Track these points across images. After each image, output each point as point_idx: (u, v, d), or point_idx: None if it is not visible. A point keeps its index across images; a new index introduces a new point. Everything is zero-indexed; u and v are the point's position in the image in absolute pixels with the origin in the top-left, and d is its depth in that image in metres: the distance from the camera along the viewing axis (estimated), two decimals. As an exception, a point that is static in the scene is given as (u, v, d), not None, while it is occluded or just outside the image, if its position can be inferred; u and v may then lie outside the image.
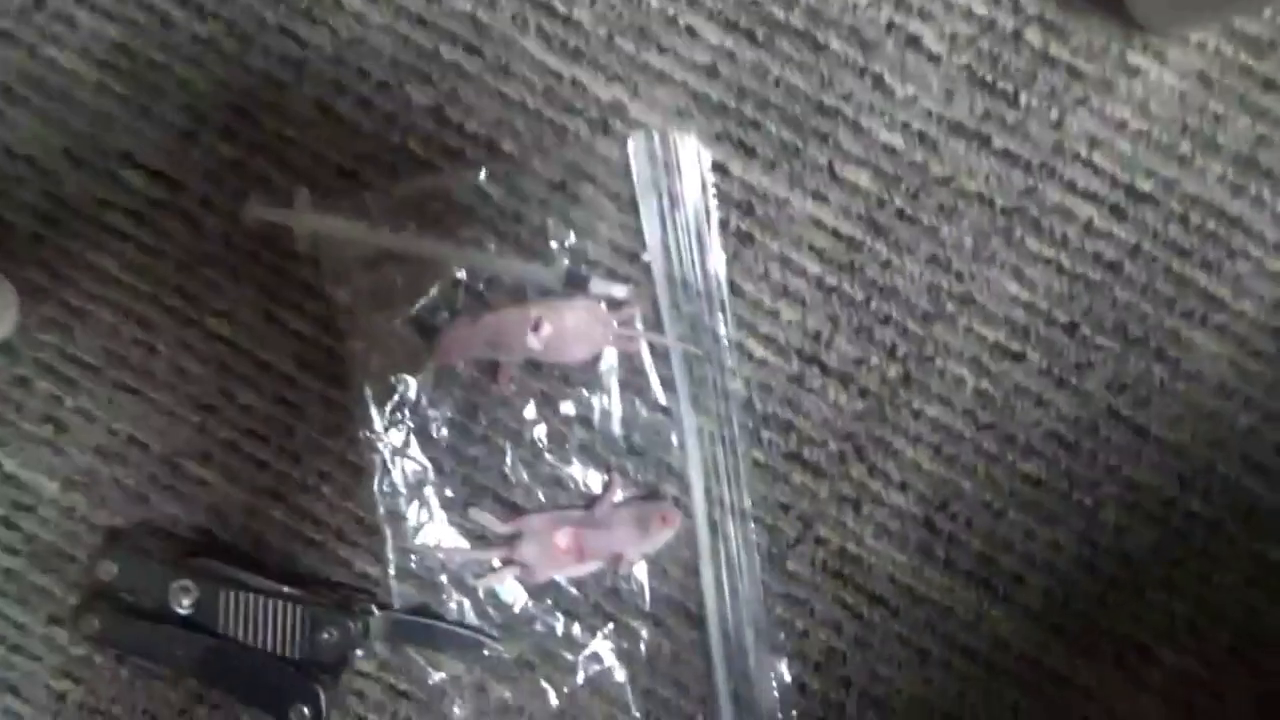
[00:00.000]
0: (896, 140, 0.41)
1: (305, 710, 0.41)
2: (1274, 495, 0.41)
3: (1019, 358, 0.41)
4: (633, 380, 0.43)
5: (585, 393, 0.43)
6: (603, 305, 0.42)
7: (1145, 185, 0.40)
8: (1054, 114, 0.40)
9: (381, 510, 0.43)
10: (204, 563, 0.42)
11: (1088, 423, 0.42)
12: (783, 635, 0.43)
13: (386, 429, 0.43)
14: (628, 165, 0.41)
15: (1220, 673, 0.42)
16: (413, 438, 0.43)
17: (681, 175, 0.41)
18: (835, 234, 0.41)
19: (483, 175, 0.41)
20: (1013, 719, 0.43)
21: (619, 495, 0.43)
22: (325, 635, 0.42)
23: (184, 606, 0.42)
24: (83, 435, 0.43)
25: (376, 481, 0.43)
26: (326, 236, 0.42)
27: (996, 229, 0.41)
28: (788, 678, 0.43)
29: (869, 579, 0.43)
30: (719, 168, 0.41)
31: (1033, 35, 0.40)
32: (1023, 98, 0.40)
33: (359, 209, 0.42)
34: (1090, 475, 0.42)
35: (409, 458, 0.43)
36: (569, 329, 0.41)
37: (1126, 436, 0.42)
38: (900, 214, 0.41)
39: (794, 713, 0.43)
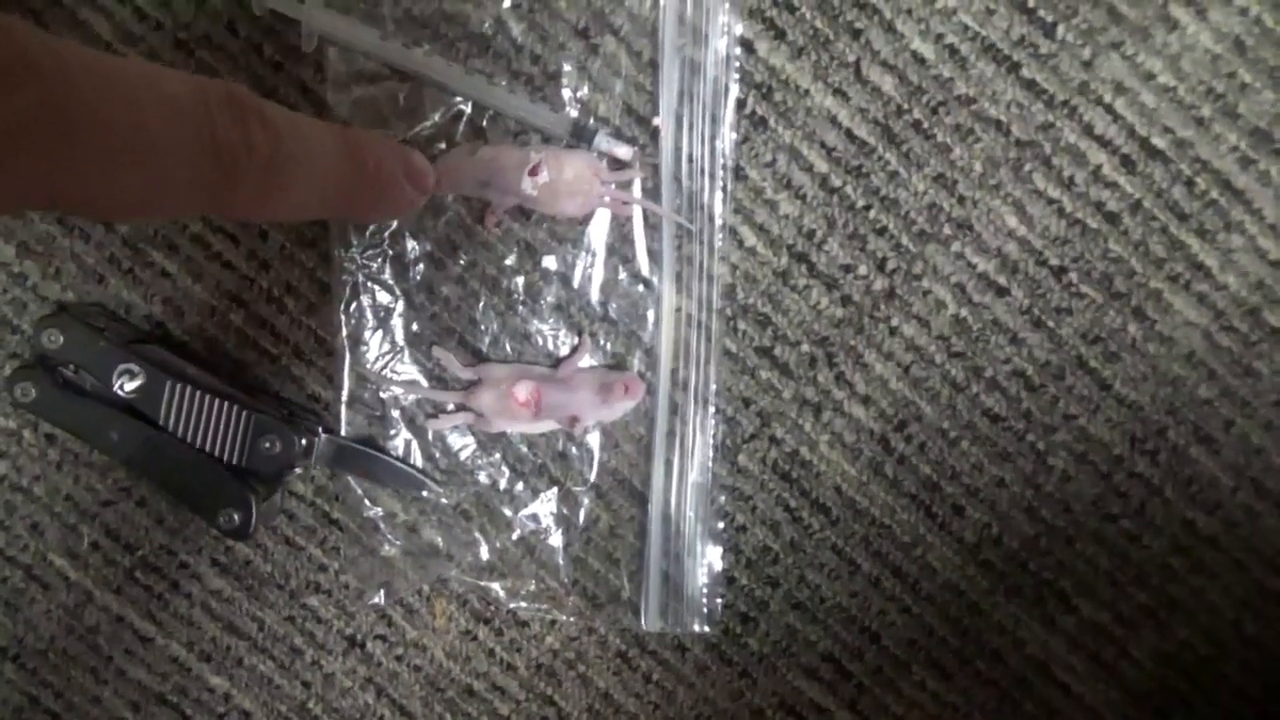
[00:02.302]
0: (927, 50, 0.40)
1: (235, 516, 0.41)
2: (1216, 468, 0.42)
3: (1003, 292, 0.42)
4: (620, 247, 0.42)
5: (570, 250, 0.42)
6: (604, 163, 0.41)
7: (1160, 142, 0.40)
8: (1087, 53, 0.40)
9: (344, 333, 0.42)
10: (154, 350, 0.41)
11: (1055, 368, 0.42)
12: (721, 526, 0.44)
13: (362, 251, 0.42)
14: (655, 24, 0.40)
15: (1130, 629, 0.44)
16: (388, 265, 0.42)
17: (708, 45, 0.40)
18: (849, 135, 0.41)
19: (506, 4, 0.40)
20: (926, 641, 0.44)
21: (586, 360, 0.43)
22: (266, 445, 0.41)
23: (126, 391, 0.40)
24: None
25: (343, 303, 0.42)
26: (334, 39, 0.40)
27: (1007, 160, 0.41)
28: (719, 567, 0.44)
29: (815, 485, 0.44)
30: (746, 45, 0.40)
31: (1081, -29, 0.40)
32: (1060, 30, 0.40)
33: (373, 17, 0.40)
34: (1047, 420, 0.42)
35: (380, 285, 0.42)
36: (566, 180, 0.40)
37: (1089, 388, 0.42)
38: (916, 126, 0.41)
39: (719, 602, 0.44)
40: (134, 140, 0.22)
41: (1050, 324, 0.42)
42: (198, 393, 0.41)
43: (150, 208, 0.25)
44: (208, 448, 0.41)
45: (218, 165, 0.25)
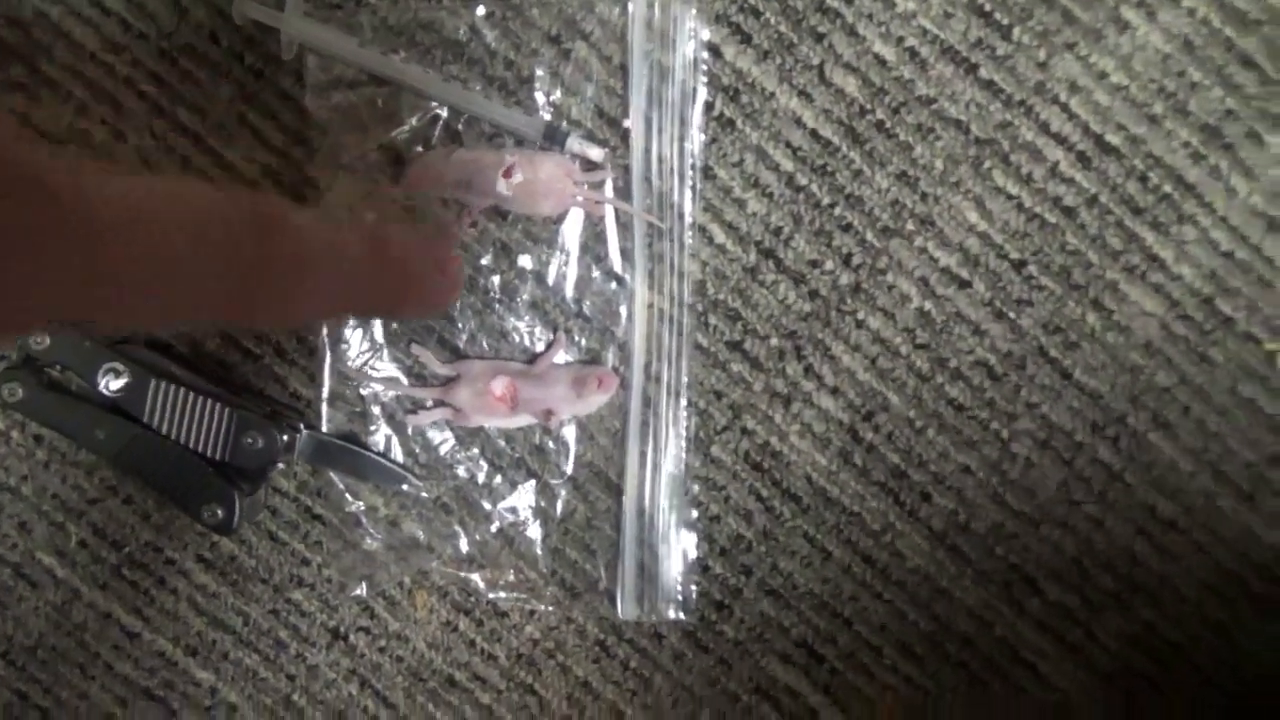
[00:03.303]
0: (889, 52, 0.41)
1: (219, 511, 0.42)
2: (1174, 453, 0.44)
3: (965, 285, 0.43)
4: (593, 246, 0.43)
5: (545, 249, 0.43)
6: (576, 164, 0.42)
7: (1114, 139, 0.42)
8: (1042, 54, 0.41)
9: (324, 332, 0.43)
10: (138, 350, 0.42)
11: (1017, 358, 0.43)
12: (695, 515, 0.45)
13: (343, 252, 0.43)
14: (624, 29, 0.41)
15: (1095, 612, 0.45)
16: (367, 266, 0.43)
17: (676, 49, 0.42)
18: (814, 135, 0.42)
19: (480, 12, 0.41)
20: (897, 626, 0.45)
21: (561, 356, 0.44)
22: (249, 441, 0.42)
23: (112, 390, 0.41)
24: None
25: (324, 302, 0.43)
26: (313, 47, 0.41)
27: (967, 157, 0.42)
28: (693, 556, 0.45)
29: (787, 475, 0.45)
30: (713, 49, 0.42)
31: (1036, -26, 0.41)
32: (1015, 32, 0.41)
33: (351, 26, 0.41)
34: (1010, 408, 0.44)
35: (361, 284, 0.43)
36: (540, 181, 0.41)
37: (1051, 377, 0.43)
38: (879, 126, 0.42)
39: (693, 590, 0.45)
40: (157, 260, 0.22)
41: (1011, 315, 0.43)
42: (182, 391, 0.42)
43: (172, 321, 0.25)
44: (192, 444, 0.42)
45: (241, 280, 0.25)
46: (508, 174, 0.40)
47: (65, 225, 0.20)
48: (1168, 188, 0.42)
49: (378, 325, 0.43)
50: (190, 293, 0.24)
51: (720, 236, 0.43)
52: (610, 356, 0.44)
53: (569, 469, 0.45)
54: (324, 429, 0.44)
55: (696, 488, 0.45)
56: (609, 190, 0.42)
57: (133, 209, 0.22)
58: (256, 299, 0.26)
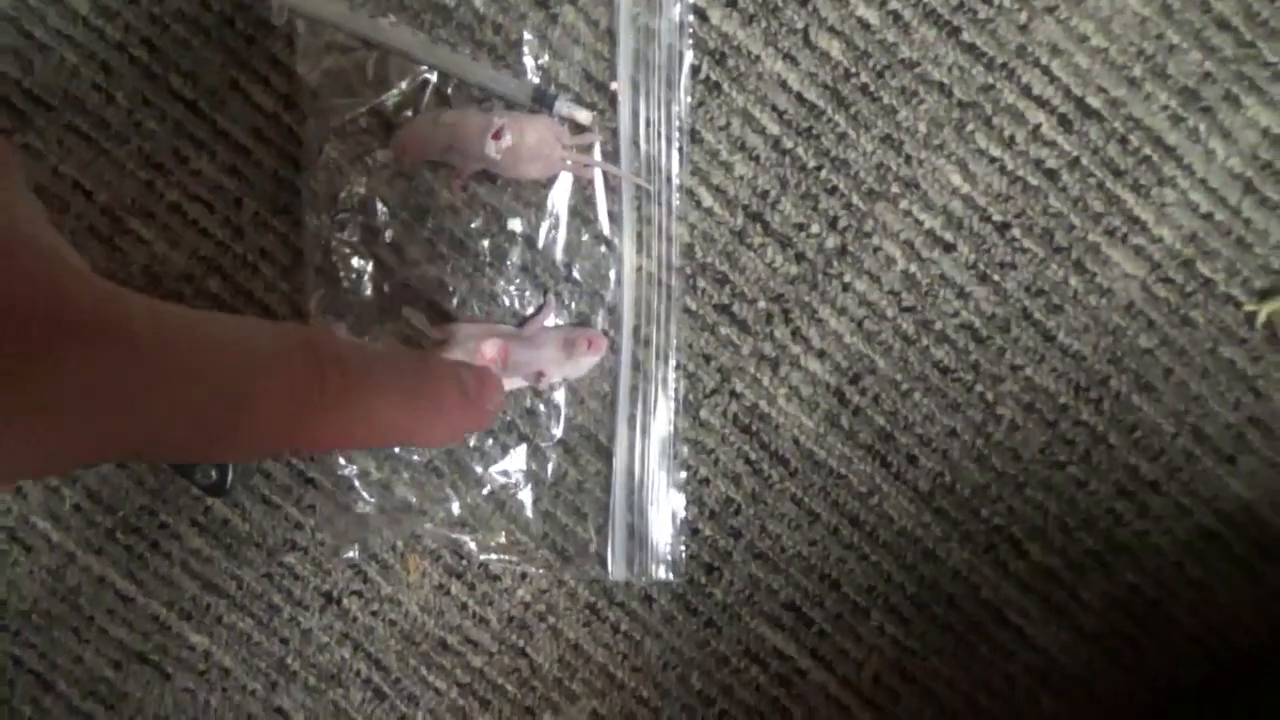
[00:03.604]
0: (872, 16, 0.42)
1: (212, 472, 0.42)
2: (1157, 415, 0.44)
3: (950, 248, 0.43)
4: (581, 209, 0.44)
5: (534, 213, 0.44)
6: (565, 128, 0.42)
7: (1094, 101, 0.42)
8: (1023, 17, 0.42)
9: (315, 300, 0.44)
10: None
11: (1001, 320, 0.44)
12: (684, 478, 0.45)
13: (334, 217, 0.43)
14: (612, -7, 0.42)
15: (1079, 573, 0.45)
16: (358, 231, 0.43)
17: (662, 13, 0.42)
18: (799, 98, 0.43)
19: (468, -24, 0.42)
20: (884, 588, 0.46)
21: (551, 319, 0.44)
22: (243, 403, 0.42)
23: (106, 352, 0.42)
24: (27, 171, 0.43)
25: (315, 268, 0.43)
26: (303, 12, 0.42)
27: (951, 120, 0.43)
28: (682, 517, 0.45)
29: (775, 438, 0.45)
30: (699, 13, 0.42)
31: (1017, -60, 0.42)
32: (997, -4, 0.42)
33: (340, -10, 0.42)
34: (995, 371, 0.44)
35: (351, 249, 0.43)
36: (528, 144, 0.42)
37: (1034, 339, 0.44)
38: (864, 89, 0.42)
39: (683, 552, 0.45)
40: (221, 393, 0.23)
41: (995, 278, 0.44)
42: (175, 353, 0.42)
43: (227, 452, 0.26)
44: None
45: (295, 412, 0.25)
46: (496, 136, 0.41)
47: (140, 353, 0.20)
48: (1148, 150, 0.42)
49: (369, 290, 0.44)
50: (250, 423, 0.24)
51: (708, 200, 0.44)
52: (600, 320, 0.44)
53: (560, 432, 0.45)
54: (316, 393, 0.44)
55: (686, 450, 0.45)
56: (597, 153, 0.43)
57: (204, 339, 0.22)
58: (309, 430, 0.26)
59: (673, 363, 0.44)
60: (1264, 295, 0.43)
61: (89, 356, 0.19)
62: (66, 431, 0.19)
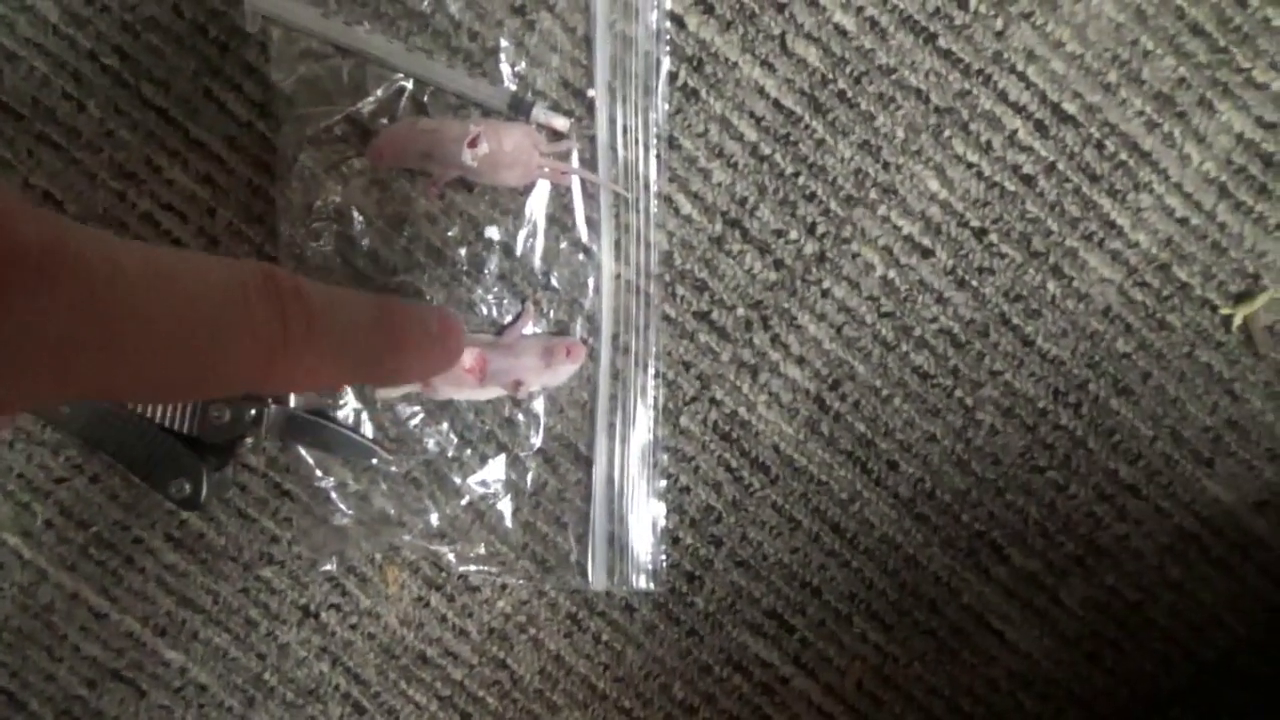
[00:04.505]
0: (849, 22, 0.42)
1: (186, 486, 0.42)
2: (1135, 418, 0.44)
3: (928, 253, 0.43)
4: (559, 217, 0.43)
5: (511, 221, 0.43)
6: (542, 135, 0.42)
7: (1070, 107, 0.42)
8: (999, 23, 0.42)
9: (292, 307, 0.43)
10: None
11: (980, 325, 0.44)
12: (664, 486, 0.45)
13: (309, 224, 0.43)
14: (588, 0, 0.42)
15: (1060, 577, 0.45)
16: (333, 240, 0.43)
17: (639, 19, 0.42)
18: (776, 105, 0.43)
19: (443, -17, 0.41)
20: (866, 594, 0.46)
21: (529, 327, 0.44)
22: (216, 414, 0.42)
23: (77, 365, 0.41)
24: (-6, 180, 0.43)
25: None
26: (277, 19, 0.41)
27: (928, 126, 0.43)
28: (663, 526, 0.45)
29: (755, 445, 0.45)
30: (676, 19, 0.42)
31: (992, -53, 0.42)
32: (973, 2, 0.42)
33: (314, -3, 0.41)
34: (974, 376, 0.44)
35: (327, 259, 0.43)
36: (505, 152, 0.41)
37: (1013, 344, 0.44)
38: (841, 96, 0.42)
39: (664, 561, 0.45)
40: (180, 331, 0.22)
41: (973, 283, 0.44)
42: (148, 364, 0.41)
43: (192, 391, 0.25)
44: (158, 418, 0.42)
45: (257, 345, 0.25)
46: (473, 144, 0.41)
47: (95, 293, 0.20)
48: (1123, 155, 0.43)
49: (345, 298, 0.43)
50: (213, 360, 0.24)
51: (686, 206, 0.43)
52: (578, 328, 0.44)
53: (539, 442, 0.45)
54: (292, 403, 0.44)
55: (666, 458, 0.45)
56: (575, 161, 0.43)
57: (162, 276, 0.22)
58: (274, 364, 0.26)
59: (652, 370, 0.44)
60: (1239, 299, 0.43)
61: (36, 290, 0.18)
62: (16, 368, 0.19)
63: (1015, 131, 0.43)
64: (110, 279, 0.20)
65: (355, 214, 0.43)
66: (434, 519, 0.45)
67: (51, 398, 0.21)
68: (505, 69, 0.42)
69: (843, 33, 0.42)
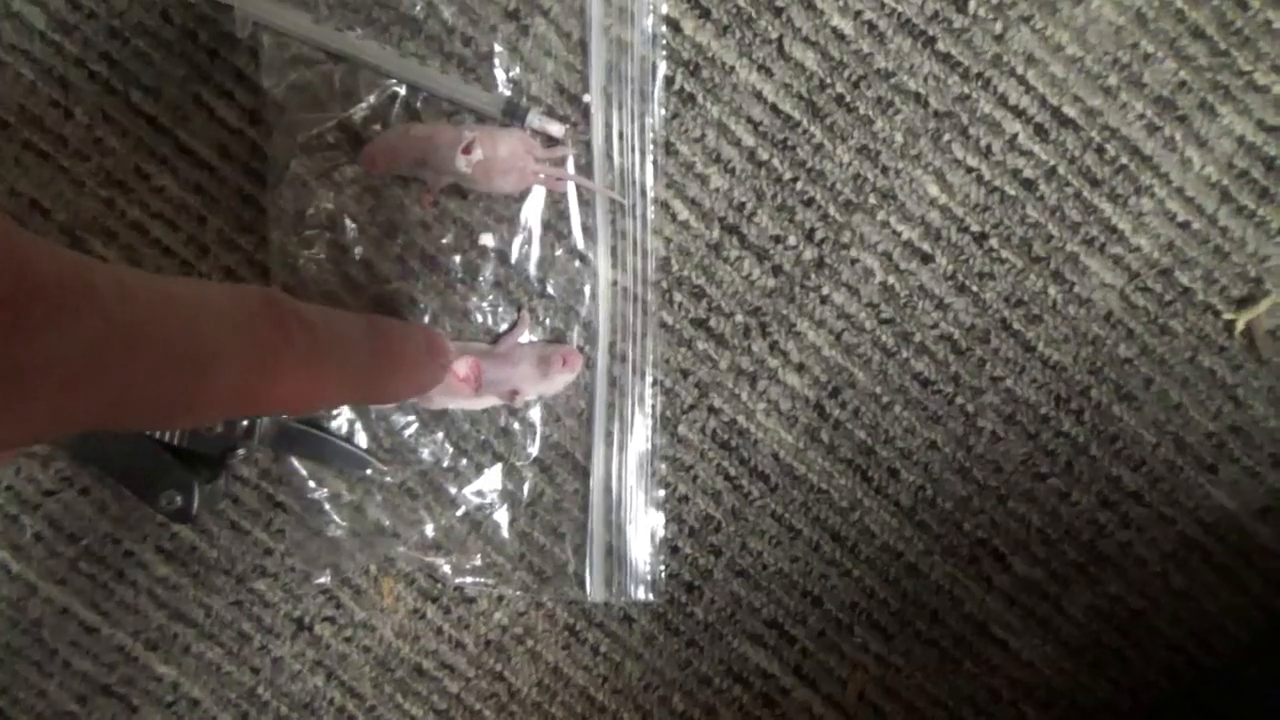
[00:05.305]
0: (847, 26, 0.41)
1: (178, 498, 0.41)
2: (1138, 424, 0.44)
3: (928, 259, 0.43)
4: (555, 223, 0.43)
5: (507, 228, 0.43)
6: (537, 141, 0.42)
7: (1070, 111, 0.42)
8: (998, 26, 0.41)
9: (284, 316, 0.42)
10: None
11: (980, 331, 0.43)
12: (663, 495, 0.44)
13: (301, 233, 0.42)
14: (584, 4, 0.41)
15: (1063, 585, 0.45)
16: (326, 248, 0.42)
17: (635, 24, 0.41)
18: (774, 110, 0.42)
19: (436, -13, 0.41)
20: (867, 603, 0.45)
21: (525, 335, 0.43)
22: (208, 427, 0.41)
23: (66, 376, 0.41)
24: (-18, 190, 0.42)
25: (282, 286, 0.42)
26: (268, 25, 0.41)
27: (927, 130, 0.42)
28: (661, 536, 0.44)
29: (754, 454, 0.44)
30: (672, 24, 0.42)
31: (991, -50, 0.42)
32: (971, 5, 0.41)
33: (306, 2, 0.41)
34: (975, 382, 0.44)
35: (319, 267, 0.42)
36: (500, 158, 0.41)
37: (1014, 350, 0.44)
38: (839, 100, 0.42)
39: (662, 571, 0.45)
40: (188, 354, 0.23)
41: (974, 289, 0.43)
42: (138, 376, 0.41)
43: (199, 413, 0.25)
44: (149, 431, 0.41)
45: (263, 364, 0.26)
46: (467, 150, 0.40)
47: (111, 321, 0.20)
48: (1124, 159, 0.42)
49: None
50: (218, 382, 0.24)
51: (683, 213, 0.43)
52: (575, 336, 0.44)
53: (535, 451, 0.44)
54: (284, 414, 0.43)
55: (664, 467, 0.44)
56: (570, 167, 0.42)
57: (169, 302, 0.23)
58: (276, 384, 0.26)
59: (650, 378, 0.44)
60: (1242, 303, 0.43)
61: (55, 323, 0.19)
62: (37, 400, 0.19)
63: (1015, 136, 0.42)
64: (121, 308, 0.21)
65: (348, 221, 0.42)
66: (429, 530, 0.44)
67: (66, 427, 0.21)
68: (499, 74, 0.42)
69: (840, 37, 0.42)
